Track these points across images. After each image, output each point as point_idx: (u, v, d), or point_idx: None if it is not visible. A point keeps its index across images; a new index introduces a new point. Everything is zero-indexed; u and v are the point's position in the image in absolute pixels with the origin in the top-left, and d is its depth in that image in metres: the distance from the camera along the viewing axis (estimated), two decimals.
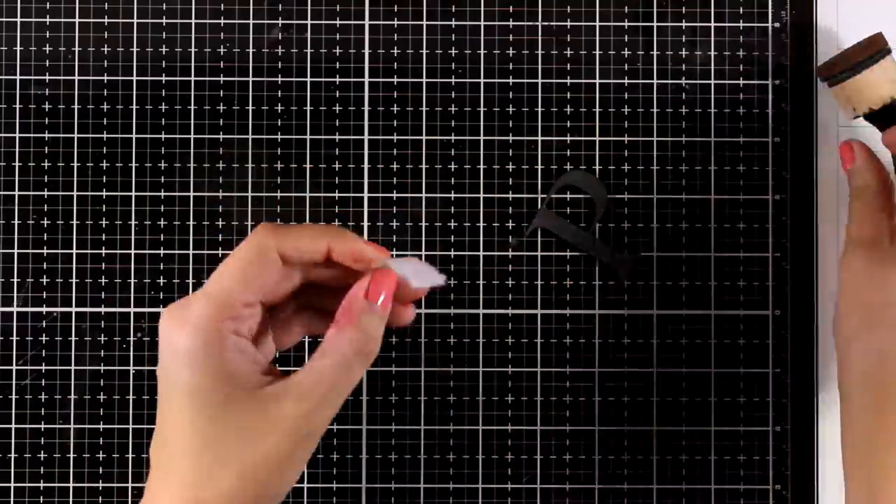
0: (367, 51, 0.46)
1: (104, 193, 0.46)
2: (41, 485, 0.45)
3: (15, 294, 0.46)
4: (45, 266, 0.46)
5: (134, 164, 0.46)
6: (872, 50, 0.42)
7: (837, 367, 0.39)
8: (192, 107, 0.46)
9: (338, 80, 0.46)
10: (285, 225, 0.34)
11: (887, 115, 0.42)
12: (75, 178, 0.46)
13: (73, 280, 0.46)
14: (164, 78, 0.46)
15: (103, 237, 0.46)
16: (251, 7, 0.46)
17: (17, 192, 0.46)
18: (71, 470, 0.45)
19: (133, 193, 0.46)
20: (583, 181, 0.46)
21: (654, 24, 0.46)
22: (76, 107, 0.46)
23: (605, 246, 0.46)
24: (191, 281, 0.46)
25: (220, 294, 0.31)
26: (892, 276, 0.38)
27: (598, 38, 0.46)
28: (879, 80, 0.42)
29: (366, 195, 0.46)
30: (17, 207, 0.46)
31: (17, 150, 0.46)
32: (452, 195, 0.46)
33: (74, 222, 0.46)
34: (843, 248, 0.40)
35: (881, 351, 0.37)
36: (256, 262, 0.31)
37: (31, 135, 0.46)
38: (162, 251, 0.46)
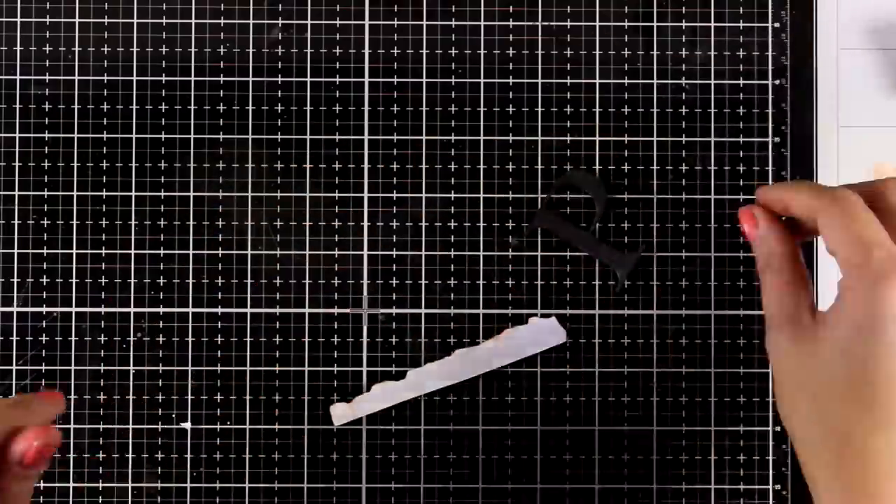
0: (367, 51, 0.46)
1: (104, 193, 0.46)
2: (41, 485, 0.45)
3: (15, 294, 0.46)
4: (45, 266, 0.46)
5: (134, 164, 0.46)
6: None
7: (797, 451, 0.36)
8: (192, 107, 0.46)
9: (338, 80, 0.46)
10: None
11: None
12: (75, 178, 0.46)
13: (73, 280, 0.46)
14: (164, 78, 0.46)
15: (103, 237, 0.46)
16: (251, 7, 0.46)
17: (17, 192, 0.46)
18: (71, 470, 0.45)
19: (133, 193, 0.46)
20: (583, 181, 0.46)
21: (654, 24, 0.46)
22: (76, 107, 0.46)
23: (605, 246, 0.46)
24: (191, 281, 0.46)
25: None
26: (822, 353, 0.35)
27: (598, 38, 0.46)
28: None
29: (366, 195, 0.46)
30: (17, 207, 0.46)
31: (17, 150, 0.46)
32: (452, 195, 0.46)
33: (74, 222, 0.46)
34: (766, 329, 0.37)
35: (841, 433, 0.34)
36: None
37: (31, 135, 0.46)
38: (162, 251, 0.46)
